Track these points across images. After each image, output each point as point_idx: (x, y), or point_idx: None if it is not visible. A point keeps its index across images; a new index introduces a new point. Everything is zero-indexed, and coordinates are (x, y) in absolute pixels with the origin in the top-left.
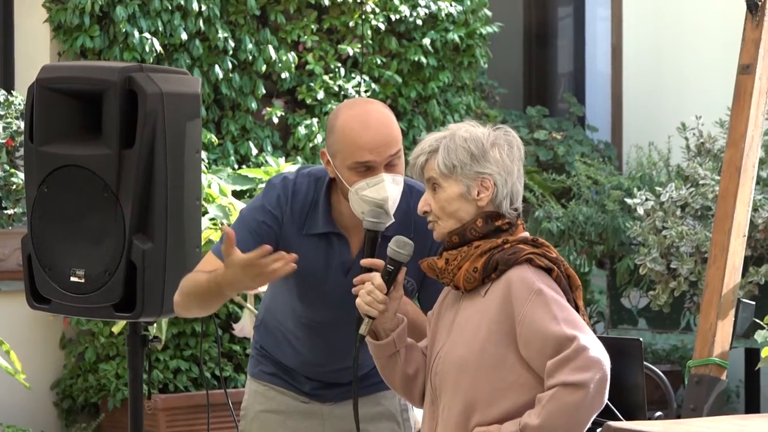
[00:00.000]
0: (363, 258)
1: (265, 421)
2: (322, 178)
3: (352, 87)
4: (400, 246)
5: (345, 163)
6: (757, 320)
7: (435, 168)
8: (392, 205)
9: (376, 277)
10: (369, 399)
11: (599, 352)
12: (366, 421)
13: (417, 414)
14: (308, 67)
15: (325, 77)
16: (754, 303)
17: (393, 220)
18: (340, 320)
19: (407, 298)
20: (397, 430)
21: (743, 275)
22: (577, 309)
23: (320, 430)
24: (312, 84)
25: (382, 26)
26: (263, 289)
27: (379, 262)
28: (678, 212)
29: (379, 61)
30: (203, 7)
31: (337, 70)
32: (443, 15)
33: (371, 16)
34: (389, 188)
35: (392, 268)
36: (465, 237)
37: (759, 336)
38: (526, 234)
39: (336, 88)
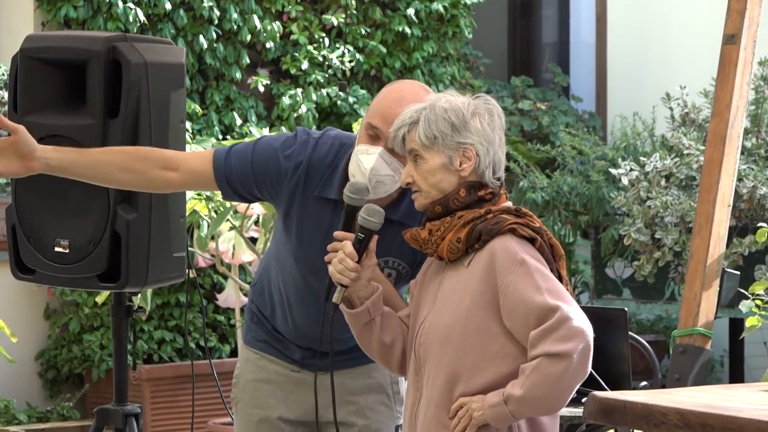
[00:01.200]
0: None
1: (256, 390)
2: (347, 144)
3: (337, 57)
4: (370, 214)
5: (365, 121)
6: (742, 290)
7: (416, 139)
8: (374, 181)
9: (347, 245)
10: (359, 371)
11: (582, 322)
12: (356, 393)
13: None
14: (293, 37)
15: (310, 47)
16: (738, 273)
17: (373, 197)
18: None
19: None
20: (386, 402)
21: (728, 245)
22: (560, 279)
23: (311, 399)
24: (296, 54)
25: None
26: (247, 258)
27: (349, 236)
28: (662, 182)
29: (363, 31)
30: None
31: (321, 40)
32: None
33: None
34: (378, 163)
35: (363, 236)
36: (448, 207)
37: (743, 306)
38: (509, 204)
39: (320, 58)
